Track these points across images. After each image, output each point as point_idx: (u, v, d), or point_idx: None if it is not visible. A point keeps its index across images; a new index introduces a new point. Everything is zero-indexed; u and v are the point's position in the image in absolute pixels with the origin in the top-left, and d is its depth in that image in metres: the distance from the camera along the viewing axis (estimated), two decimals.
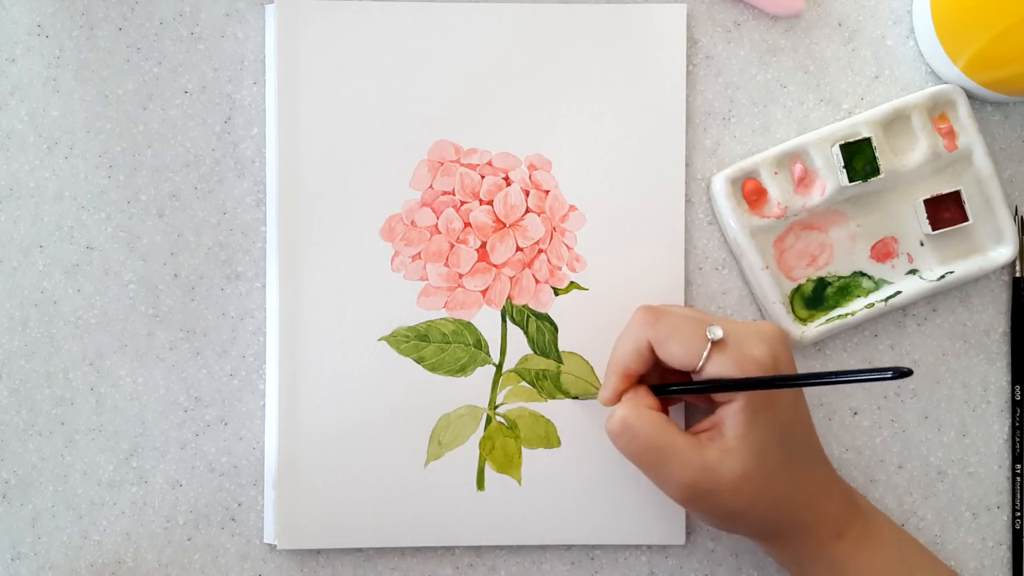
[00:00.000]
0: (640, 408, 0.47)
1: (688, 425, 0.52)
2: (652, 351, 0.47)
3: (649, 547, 0.54)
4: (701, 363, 0.46)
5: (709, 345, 0.46)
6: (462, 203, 0.53)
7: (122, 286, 0.53)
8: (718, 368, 0.45)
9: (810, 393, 0.54)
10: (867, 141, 0.51)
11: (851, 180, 0.51)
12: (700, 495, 0.46)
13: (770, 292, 0.52)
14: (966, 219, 0.52)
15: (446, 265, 0.53)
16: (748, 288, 0.54)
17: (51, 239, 0.53)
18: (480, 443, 0.52)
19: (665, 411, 0.49)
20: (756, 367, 0.45)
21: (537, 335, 0.53)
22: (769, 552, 0.49)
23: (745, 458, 0.45)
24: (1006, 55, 0.49)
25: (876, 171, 0.51)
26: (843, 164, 0.51)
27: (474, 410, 0.53)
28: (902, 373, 0.39)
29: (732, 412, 0.45)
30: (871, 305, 0.53)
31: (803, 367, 0.54)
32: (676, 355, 0.46)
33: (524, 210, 0.53)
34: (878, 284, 0.53)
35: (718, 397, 0.46)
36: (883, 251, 0.54)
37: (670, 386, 0.48)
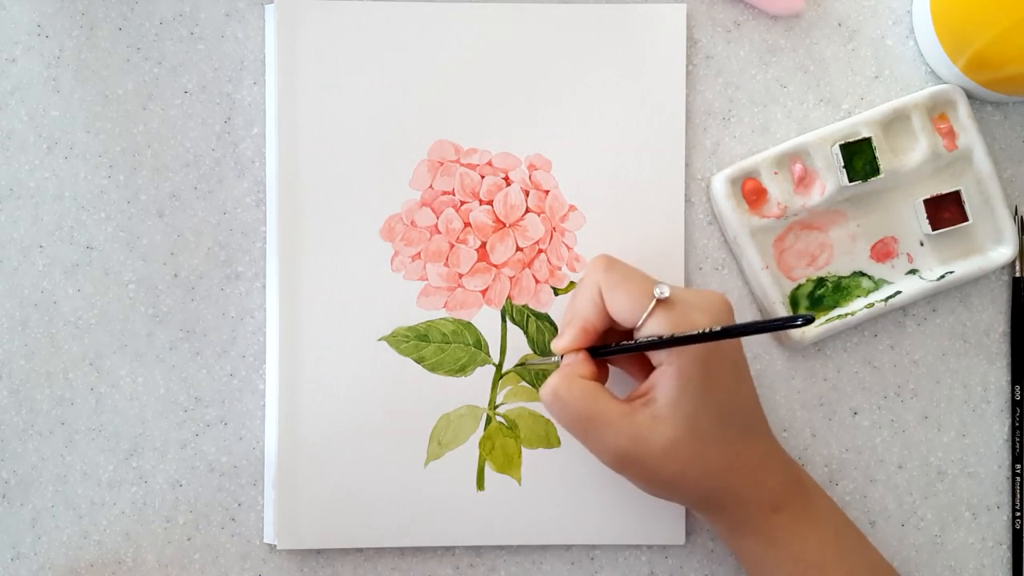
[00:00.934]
0: (572, 377, 0.47)
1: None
2: (603, 301, 0.47)
3: (649, 547, 0.54)
4: (643, 319, 0.45)
5: (654, 302, 0.45)
6: (462, 203, 0.53)
7: (122, 286, 0.53)
8: (657, 327, 0.45)
9: (810, 392, 0.54)
10: (867, 141, 0.51)
11: (851, 180, 0.51)
12: (631, 462, 0.46)
13: (770, 292, 0.52)
14: (966, 219, 0.52)
15: (446, 265, 0.53)
16: (748, 288, 0.54)
17: (51, 239, 0.53)
18: (480, 443, 0.53)
19: (603, 378, 0.49)
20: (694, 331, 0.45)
21: (537, 335, 0.53)
22: (707, 521, 0.49)
23: (675, 425, 0.45)
24: (1006, 55, 0.49)
25: (876, 171, 0.51)
26: (843, 164, 0.51)
27: (474, 410, 0.53)
28: (807, 320, 0.38)
29: (663, 378, 0.45)
30: (871, 305, 0.53)
31: (803, 367, 0.54)
32: (621, 306, 0.46)
33: (524, 210, 0.53)
34: (878, 284, 0.53)
35: (653, 359, 0.46)
36: (883, 251, 0.54)
37: (603, 347, 0.48)
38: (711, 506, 0.47)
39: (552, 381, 0.47)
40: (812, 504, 0.48)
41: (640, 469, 0.46)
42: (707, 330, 0.43)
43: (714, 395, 0.45)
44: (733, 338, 0.44)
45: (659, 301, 0.45)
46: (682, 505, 0.50)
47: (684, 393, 0.45)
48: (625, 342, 0.47)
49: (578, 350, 0.48)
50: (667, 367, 0.45)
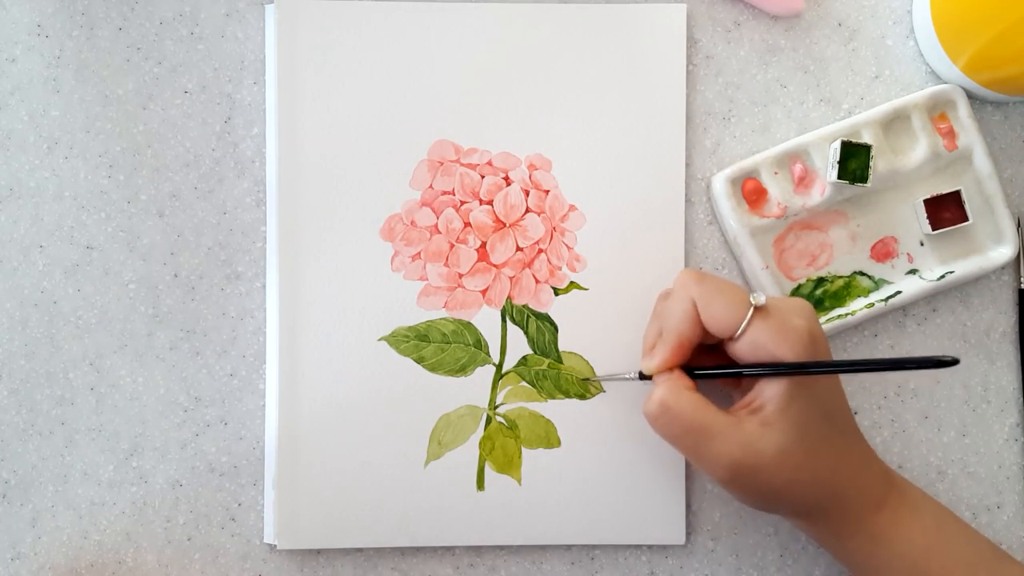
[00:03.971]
0: (679, 389, 0.46)
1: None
2: (698, 314, 0.47)
3: (649, 547, 0.54)
4: (743, 327, 0.45)
5: (752, 310, 0.45)
6: (462, 203, 0.53)
7: (122, 286, 0.53)
8: (758, 334, 0.45)
9: None
10: (867, 148, 0.51)
11: (839, 177, 0.51)
12: (743, 473, 0.45)
13: (770, 292, 0.52)
14: (966, 219, 0.52)
15: (446, 265, 0.53)
16: (748, 288, 0.54)
17: (51, 239, 0.53)
18: (480, 443, 0.52)
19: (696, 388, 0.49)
20: (796, 337, 0.45)
21: (537, 335, 0.53)
22: (806, 530, 0.49)
23: (785, 431, 0.45)
24: (1006, 55, 0.49)
25: (865, 179, 0.51)
26: (838, 159, 0.51)
27: (474, 410, 0.53)
28: (944, 363, 0.39)
29: (772, 386, 0.45)
30: (871, 305, 0.53)
31: None
32: (719, 316, 0.46)
33: (524, 210, 0.53)
34: (878, 284, 0.53)
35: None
36: (883, 251, 0.54)
37: (704, 369, 0.48)
38: (816, 512, 0.47)
39: (659, 393, 0.46)
40: (908, 497, 0.48)
41: (752, 479, 0.46)
42: (818, 362, 0.43)
43: (818, 399, 0.46)
44: (867, 372, 0.44)
45: (756, 309, 0.45)
46: (784, 517, 0.49)
47: (792, 399, 0.45)
48: (727, 365, 0.47)
49: (672, 369, 0.48)
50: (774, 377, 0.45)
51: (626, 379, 0.51)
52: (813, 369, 0.44)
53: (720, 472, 0.46)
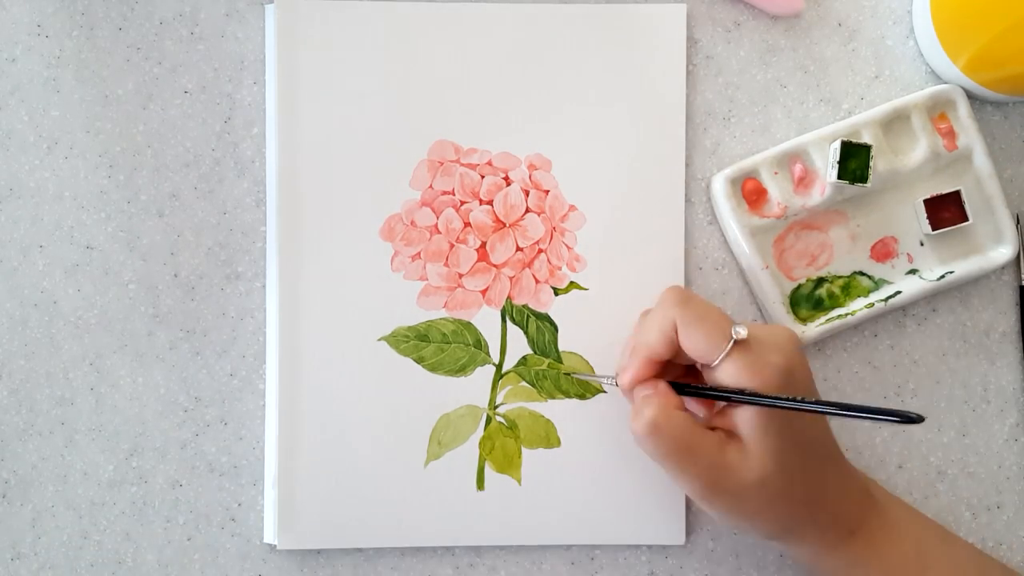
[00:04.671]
0: (668, 409, 0.46)
1: None
2: (676, 334, 0.47)
3: (649, 547, 0.54)
4: (719, 359, 0.45)
5: (731, 343, 0.45)
6: (462, 203, 0.53)
7: (122, 286, 0.53)
8: (734, 368, 0.45)
9: None
10: (867, 148, 0.51)
11: (838, 177, 0.51)
12: (720, 495, 0.46)
13: (770, 292, 0.52)
14: (966, 219, 0.52)
15: (446, 265, 0.53)
16: (748, 288, 0.54)
17: (51, 239, 0.53)
18: (480, 443, 0.52)
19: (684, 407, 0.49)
20: (771, 372, 0.45)
21: (537, 335, 0.53)
22: (782, 549, 0.49)
23: (763, 462, 0.45)
24: (1006, 55, 0.49)
25: (864, 179, 0.51)
26: (838, 159, 0.51)
27: (474, 410, 0.53)
28: (911, 419, 0.40)
29: (746, 416, 0.45)
30: (871, 305, 0.53)
31: None
32: (697, 343, 0.46)
33: (524, 210, 0.53)
34: (878, 284, 0.53)
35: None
36: (883, 251, 0.54)
37: (692, 386, 0.48)
38: (791, 536, 0.47)
39: (649, 413, 0.46)
40: (888, 520, 0.48)
41: (728, 502, 0.46)
42: (805, 399, 0.44)
43: (795, 428, 0.46)
44: (827, 414, 0.44)
45: (736, 342, 0.45)
46: (760, 537, 0.49)
47: (768, 430, 0.45)
48: (714, 388, 0.47)
49: (641, 382, 0.48)
50: (747, 407, 0.45)
51: (603, 383, 0.51)
52: (789, 404, 0.44)
53: (699, 491, 0.46)
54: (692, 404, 0.49)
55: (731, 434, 0.46)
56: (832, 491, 0.47)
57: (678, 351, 0.47)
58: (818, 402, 0.44)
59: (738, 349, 0.45)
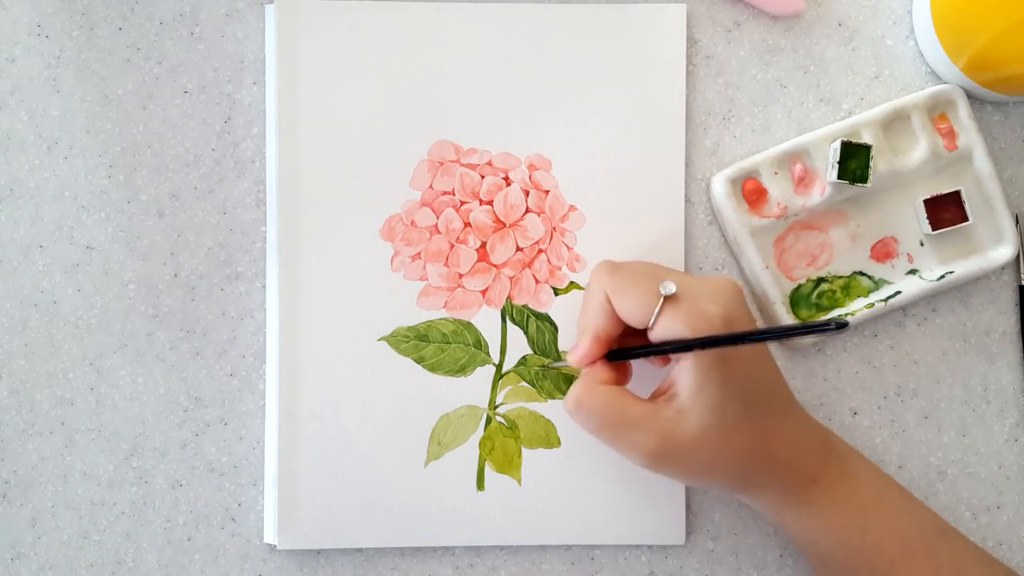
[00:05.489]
0: (592, 385, 0.47)
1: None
2: (612, 306, 0.47)
3: (649, 547, 0.54)
4: (653, 319, 0.45)
5: (661, 301, 0.45)
6: (462, 203, 0.53)
7: (122, 286, 0.53)
8: (670, 324, 0.45)
9: (810, 392, 0.54)
10: (867, 148, 0.51)
11: (839, 177, 0.51)
12: (663, 459, 0.46)
13: (770, 292, 0.52)
14: (966, 219, 0.52)
15: (446, 265, 0.53)
16: (748, 288, 0.54)
17: (51, 239, 0.53)
18: (480, 443, 0.52)
19: (625, 380, 0.49)
20: (707, 324, 0.45)
21: (537, 335, 0.53)
22: (747, 502, 0.49)
23: (699, 416, 0.45)
24: (1006, 55, 0.49)
25: (865, 179, 0.51)
26: (838, 159, 0.51)
27: (474, 410, 0.53)
28: (840, 325, 0.38)
29: (683, 371, 0.45)
30: (871, 305, 0.53)
31: (803, 367, 0.54)
32: (630, 309, 0.46)
33: (524, 210, 0.53)
34: (878, 284, 0.53)
35: (673, 356, 0.46)
36: (883, 251, 0.54)
37: (622, 351, 0.48)
38: (749, 488, 0.48)
39: (574, 391, 0.47)
40: (848, 470, 0.48)
41: (673, 464, 0.46)
42: (724, 335, 0.43)
43: (735, 382, 0.46)
44: (755, 343, 0.44)
45: (667, 298, 0.45)
46: (721, 492, 0.50)
47: (705, 384, 0.45)
48: (641, 346, 0.47)
49: (594, 360, 0.48)
50: (684, 361, 0.45)
51: (572, 367, 0.51)
52: (717, 341, 0.44)
53: (640, 459, 0.46)
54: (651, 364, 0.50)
55: (669, 397, 0.46)
56: (785, 441, 0.47)
57: (622, 322, 0.47)
58: (742, 334, 0.43)
59: (670, 304, 0.45)
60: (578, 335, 0.49)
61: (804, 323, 0.42)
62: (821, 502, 0.47)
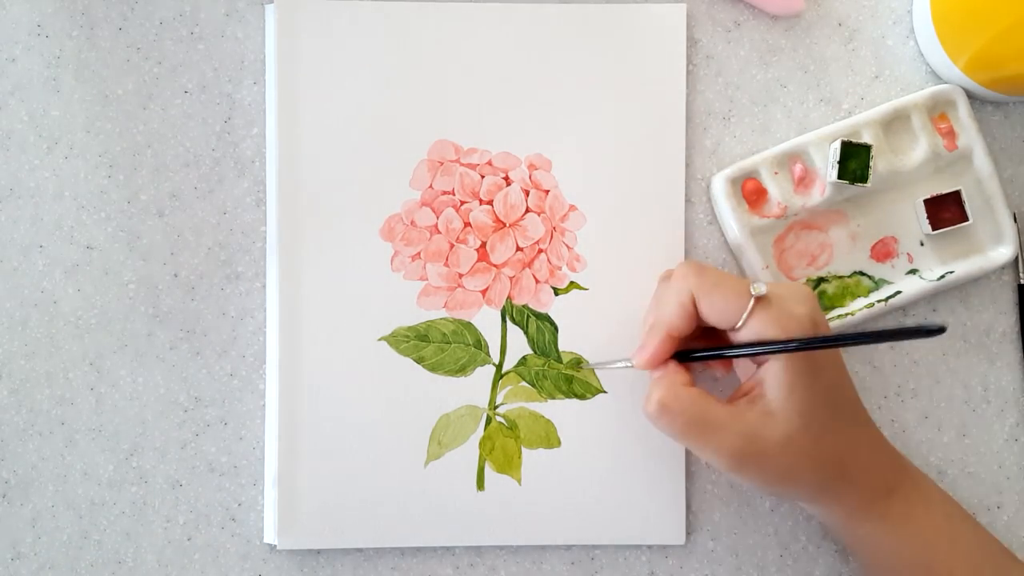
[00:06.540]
0: (675, 387, 0.46)
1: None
2: (695, 307, 0.47)
3: (649, 547, 0.54)
4: (743, 319, 0.45)
5: (752, 300, 0.45)
6: (462, 203, 0.53)
7: (122, 286, 0.53)
8: (760, 325, 0.45)
9: None
10: (867, 148, 0.51)
11: (839, 177, 0.51)
12: (747, 460, 0.45)
13: None
14: (966, 219, 0.52)
15: (446, 265, 0.53)
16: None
17: (51, 239, 0.53)
18: (480, 443, 0.53)
19: (693, 383, 0.49)
20: (797, 326, 0.45)
21: (537, 335, 0.53)
22: (819, 514, 0.49)
23: (788, 419, 0.45)
24: (1006, 55, 0.49)
25: (865, 179, 0.51)
26: (838, 159, 0.51)
27: (474, 410, 0.53)
28: (939, 329, 0.39)
29: (773, 374, 0.45)
30: (871, 305, 0.53)
31: None
32: (718, 309, 0.46)
33: (524, 210, 0.53)
34: (878, 284, 0.53)
35: (755, 359, 0.46)
36: (883, 251, 0.54)
37: (691, 352, 0.48)
38: (827, 496, 0.47)
39: (656, 395, 0.46)
40: (921, 487, 0.48)
41: (756, 466, 0.46)
42: (807, 338, 0.43)
43: (822, 386, 0.46)
44: (852, 345, 0.44)
45: (757, 299, 0.45)
46: (794, 501, 0.50)
47: (794, 388, 0.45)
48: (718, 347, 0.47)
49: (664, 361, 0.48)
50: (774, 363, 0.45)
51: (619, 367, 0.51)
52: (803, 345, 0.44)
53: (724, 461, 0.46)
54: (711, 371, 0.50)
55: (753, 399, 0.46)
56: (863, 451, 0.47)
57: (696, 325, 0.47)
58: (838, 336, 0.43)
59: (760, 306, 0.45)
60: (645, 335, 0.48)
61: (902, 327, 0.42)
62: (897, 516, 0.47)
